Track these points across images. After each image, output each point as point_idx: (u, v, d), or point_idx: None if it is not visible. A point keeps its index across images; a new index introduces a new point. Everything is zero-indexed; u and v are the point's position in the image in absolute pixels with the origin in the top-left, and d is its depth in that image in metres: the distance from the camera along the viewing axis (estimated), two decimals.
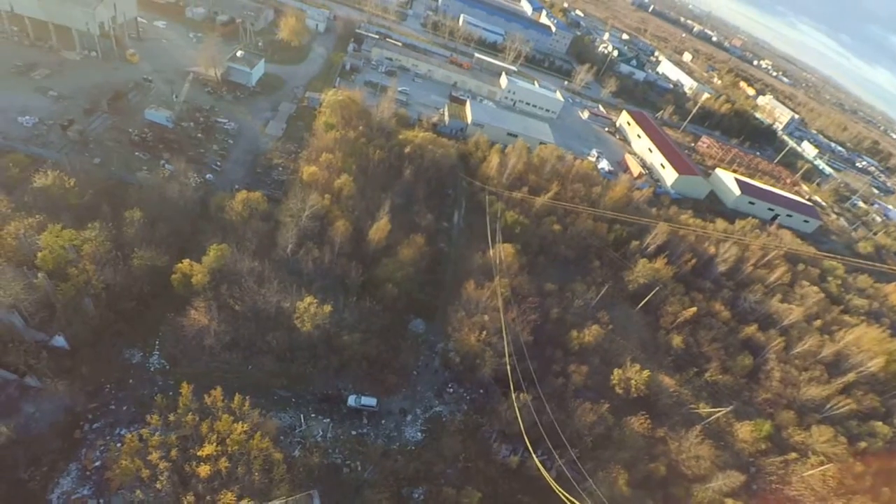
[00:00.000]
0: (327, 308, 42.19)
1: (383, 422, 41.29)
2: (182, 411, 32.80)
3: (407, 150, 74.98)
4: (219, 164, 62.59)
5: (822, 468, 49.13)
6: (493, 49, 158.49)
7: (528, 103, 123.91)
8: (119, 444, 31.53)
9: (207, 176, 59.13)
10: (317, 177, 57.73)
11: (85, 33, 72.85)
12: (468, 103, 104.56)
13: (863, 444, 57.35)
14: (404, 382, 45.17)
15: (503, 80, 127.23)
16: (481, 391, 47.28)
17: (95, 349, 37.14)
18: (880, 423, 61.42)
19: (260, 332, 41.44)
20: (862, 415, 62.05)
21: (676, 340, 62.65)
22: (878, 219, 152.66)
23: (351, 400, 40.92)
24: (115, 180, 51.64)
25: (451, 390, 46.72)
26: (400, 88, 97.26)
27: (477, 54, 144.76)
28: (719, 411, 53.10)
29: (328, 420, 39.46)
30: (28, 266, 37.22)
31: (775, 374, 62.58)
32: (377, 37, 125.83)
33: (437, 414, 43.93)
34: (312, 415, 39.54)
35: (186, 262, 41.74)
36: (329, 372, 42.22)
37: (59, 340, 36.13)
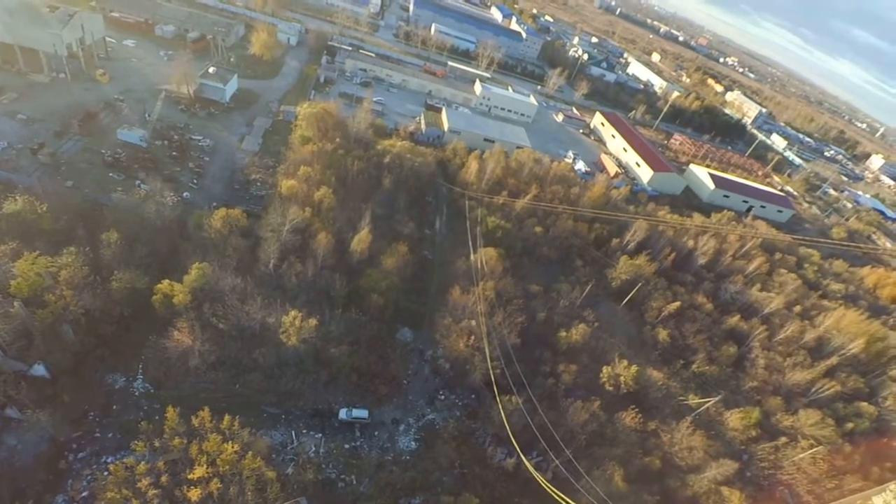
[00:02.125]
0: (313, 321, 41.83)
1: (376, 433, 40.94)
2: (168, 435, 32.15)
3: (385, 159, 75.15)
4: (195, 181, 61.89)
5: (812, 451, 50.30)
6: (466, 57, 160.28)
7: (503, 109, 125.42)
8: (106, 473, 30.75)
9: (184, 194, 58.39)
10: (296, 190, 57.51)
11: (53, 55, 71.62)
12: (444, 111, 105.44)
13: (850, 425, 58.91)
14: (395, 392, 44.92)
15: (477, 87, 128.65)
16: (473, 396, 47.33)
17: (77, 376, 36.21)
18: (865, 404, 63.24)
19: (246, 349, 40.86)
20: (847, 396, 63.77)
21: (662, 334, 63.66)
22: (849, 205, 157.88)
23: (342, 413, 40.52)
24: (89, 203, 50.64)
25: (443, 397, 46.66)
26: (375, 99, 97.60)
27: (450, 62, 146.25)
28: (708, 401, 54.02)
29: (320, 435, 39.00)
30: (3, 294, 36.25)
31: (760, 362, 64.01)
32: (350, 48, 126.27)
33: (430, 422, 43.77)
34: (304, 430, 39.02)
35: (167, 282, 41.04)
36: (318, 386, 41.79)
37: (39, 369, 35.17)
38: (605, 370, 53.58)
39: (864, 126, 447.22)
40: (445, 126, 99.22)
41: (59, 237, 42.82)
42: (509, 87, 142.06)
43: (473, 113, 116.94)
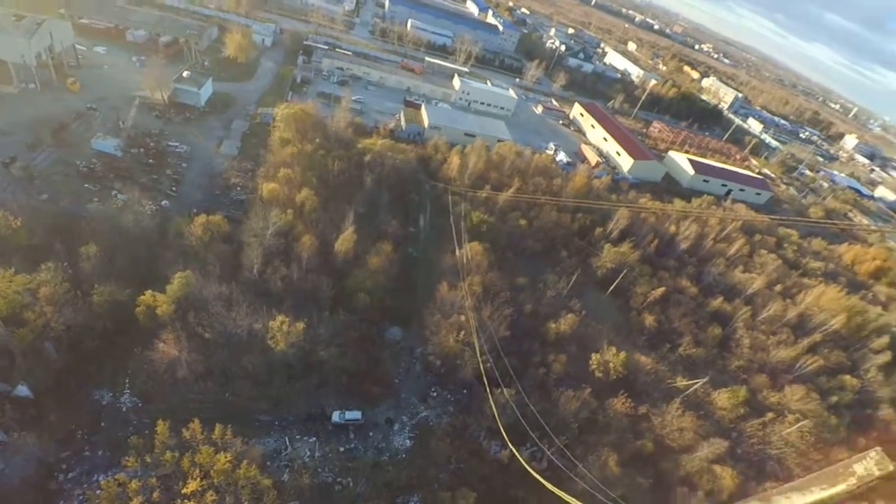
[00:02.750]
0: (300, 325, 41.47)
1: (370, 434, 40.91)
2: (160, 449, 31.68)
3: (366, 158, 74.79)
4: (174, 189, 60.87)
5: (798, 425, 51.57)
6: (444, 52, 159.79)
7: (482, 103, 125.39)
8: (98, 492, 30.24)
9: (163, 202, 57.42)
10: (277, 193, 56.94)
11: (21, 66, 69.72)
12: (423, 107, 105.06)
13: (834, 398, 60.59)
14: (387, 391, 44.92)
15: (456, 82, 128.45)
16: (465, 391, 47.54)
17: (62, 394, 35.46)
18: (848, 377, 64.98)
19: (234, 357, 40.37)
20: (830, 370, 65.42)
21: (648, 320, 64.53)
22: (825, 184, 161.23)
23: (335, 416, 40.38)
24: (65, 215, 49.51)
25: (435, 394, 46.78)
26: (354, 97, 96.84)
27: (428, 58, 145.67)
28: (696, 383, 54.93)
29: (314, 439, 38.80)
30: None
31: (745, 342, 65.30)
32: (326, 47, 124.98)
33: (424, 419, 43.87)
34: (297, 436, 38.78)
35: (149, 293, 40.36)
36: (309, 390, 41.56)
37: (23, 389, 34.41)
38: (595, 358, 54.16)
39: (838, 107, 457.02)
40: (425, 122, 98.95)
41: (36, 252, 41.80)
42: (488, 81, 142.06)
43: (453, 108, 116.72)
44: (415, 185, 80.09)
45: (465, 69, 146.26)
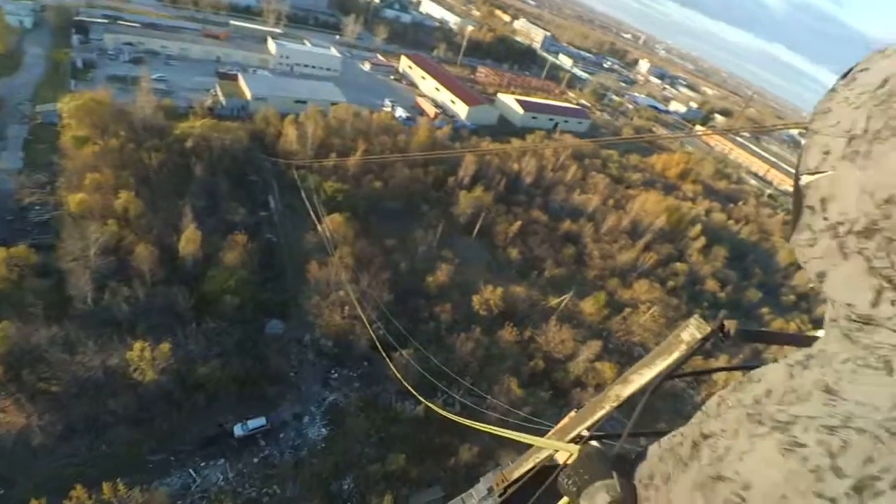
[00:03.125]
0: (165, 347, 37.25)
1: (281, 435, 39.34)
2: None
3: (188, 144, 67.00)
4: None
5: (650, 312, 62.57)
6: (250, 14, 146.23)
7: (306, 66, 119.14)
8: None
9: None
10: (89, 204, 48.55)
11: None
12: (241, 77, 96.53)
13: (671, 283, 74.23)
14: (285, 388, 43.12)
15: (272, 46, 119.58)
16: (366, 363, 47.86)
17: None
18: (678, 264, 79.63)
19: (96, 403, 34.76)
20: (663, 262, 79.19)
21: (513, 253, 70.99)
22: (630, 106, 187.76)
23: (237, 429, 37.84)
24: None
25: (336, 375, 46.28)
26: (154, 76, 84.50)
27: (233, 22, 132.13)
28: (564, 299, 62.50)
29: (222, 460, 36.10)
30: None
31: (595, 254, 75.68)
32: (106, 21, 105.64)
33: (332, 403, 43.41)
34: (202, 464, 35.64)
35: None
36: (199, 412, 38.00)
37: None
38: (476, 299, 58.40)
39: (629, 36, 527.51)
40: (247, 94, 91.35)
41: None
42: (306, 42, 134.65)
43: (275, 75, 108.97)
44: (253, 165, 74.43)
45: (278, 30, 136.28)
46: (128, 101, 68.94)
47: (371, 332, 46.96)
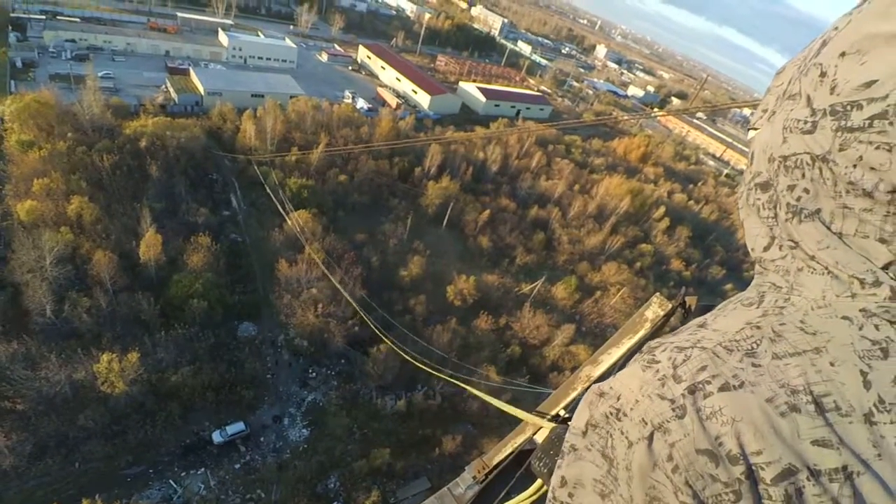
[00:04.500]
0: (134, 357, 36.04)
1: (262, 439, 38.96)
2: None
3: (141, 143, 64.58)
4: None
5: (619, 294, 64.66)
6: (198, 5, 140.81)
7: (260, 58, 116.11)
8: None
9: None
10: (40, 211, 46.30)
11: None
12: (193, 72, 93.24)
13: (638, 265, 76.53)
14: (263, 391, 42.63)
15: (223, 38, 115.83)
16: (343, 360, 47.78)
17: None
18: (644, 245, 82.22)
19: (66, 420, 33.56)
20: (630, 244, 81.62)
21: (484, 242, 71.81)
22: (590, 92, 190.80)
23: (216, 436, 37.22)
24: None
25: (314, 374, 46.01)
26: (101, 74, 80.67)
27: (180, 14, 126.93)
28: (536, 285, 63.88)
29: (203, 469, 35.53)
30: None
31: (564, 239, 77.33)
32: (44, 17, 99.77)
33: (312, 402, 43.22)
34: (182, 473, 35.00)
35: None
36: (174, 421, 37.16)
37: None
38: (450, 289, 59.04)
39: (585, 22, 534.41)
40: (201, 89, 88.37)
41: None
42: (259, 33, 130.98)
43: (229, 69, 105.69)
44: (212, 163, 72.42)
45: (229, 21, 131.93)
46: (73, 101, 65.64)
47: (353, 328, 47.24)
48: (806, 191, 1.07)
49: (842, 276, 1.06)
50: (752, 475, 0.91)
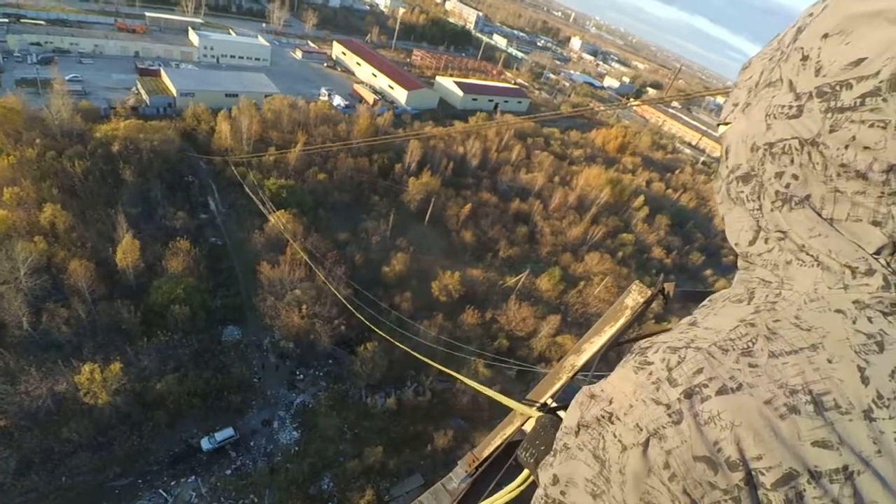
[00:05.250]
0: (116, 366, 35.46)
1: (252, 443, 38.68)
2: None
3: (114, 147, 63.17)
4: None
5: (602, 283, 65.68)
6: (167, 4, 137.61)
7: (233, 56, 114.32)
8: None
9: None
10: (11, 221, 45.06)
11: None
12: (164, 73, 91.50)
13: (620, 254, 77.69)
14: (250, 395, 42.32)
15: (193, 37, 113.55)
16: (331, 361, 47.68)
17: None
18: (625, 234, 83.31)
19: (49, 434, 32.85)
20: (612, 233, 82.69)
21: (467, 236, 72.11)
22: (567, 84, 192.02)
23: (205, 443, 36.85)
24: None
25: (301, 376, 45.82)
26: (68, 77, 78.40)
27: (148, 13, 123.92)
28: (521, 277, 64.46)
29: (193, 477, 35.16)
30: None
31: (546, 231, 78.04)
32: (6, 20, 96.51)
33: (301, 404, 43.05)
34: (172, 483, 34.56)
35: None
36: (161, 430, 36.69)
37: None
38: (435, 285, 59.21)
39: (560, 14, 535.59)
40: (173, 90, 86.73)
41: None
42: (231, 31, 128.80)
43: (201, 68, 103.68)
44: (187, 165, 71.23)
45: (199, 20, 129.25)
46: (41, 107, 63.80)
47: (340, 328, 47.14)
48: (795, 177, 1.05)
49: (833, 267, 1.04)
50: (751, 481, 0.89)
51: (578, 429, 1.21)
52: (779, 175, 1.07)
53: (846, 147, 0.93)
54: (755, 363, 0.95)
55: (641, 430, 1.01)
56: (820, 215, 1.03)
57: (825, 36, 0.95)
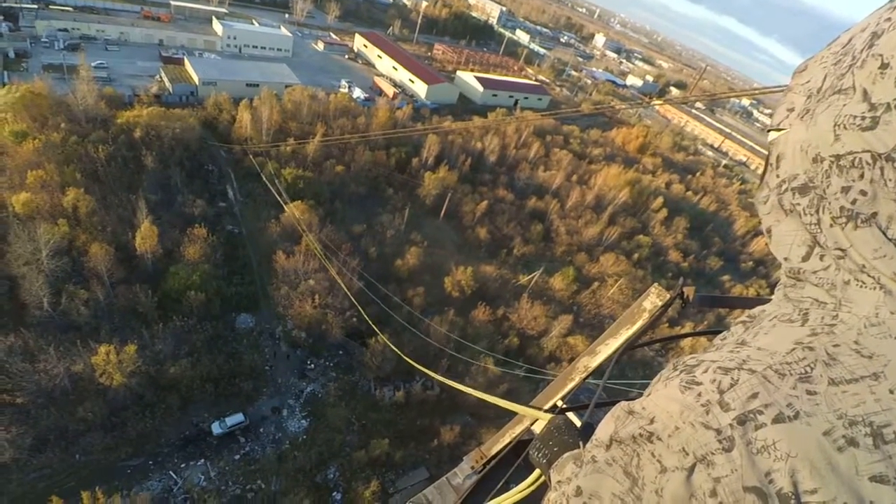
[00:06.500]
0: (132, 349, 36.24)
1: (261, 430, 39.25)
2: None
3: (136, 134, 64.17)
4: None
5: (617, 284, 65.06)
6: None
7: (255, 46, 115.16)
8: None
9: None
10: (35, 203, 46.13)
11: None
12: (187, 61, 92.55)
13: (636, 256, 76.88)
14: (262, 382, 42.92)
15: (217, 27, 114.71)
16: (341, 352, 48.05)
17: None
18: (642, 236, 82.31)
19: (66, 412, 33.83)
20: (628, 234, 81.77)
21: (482, 233, 71.88)
22: (589, 81, 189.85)
23: (216, 427, 37.49)
24: None
25: (312, 366, 46.26)
26: (94, 64, 79.93)
27: (173, 2, 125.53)
28: (534, 276, 64.11)
29: (202, 460, 35.77)
30: None
31: (561, 230, 77.47)
32: (36, 6, 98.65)
33: (311, 394, 43.50)
34: (182, 465, 35.24)
35: None
36: (174, 413, 37.42)
37: None
38: (447, 280, 59.25)
39: (584, 10, 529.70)
40: (195, 79, 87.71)
41: None
42: (254, 21, 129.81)
43: (223, 58, 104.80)
44: (208, 153, 72.11)
45: (223, 10, 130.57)
46: (67, 92, 65.11)
47: (352, 319, 47.36)
48: (863, 193, 0.97)
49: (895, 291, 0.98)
50: None
51: (610, 443, 1.17)
52: (845, 190, 0.99)
53: None
54: (814, 390, 0.90)
55: (688, 454, 0.96)
56: (885, 235, 0.96)
57: None
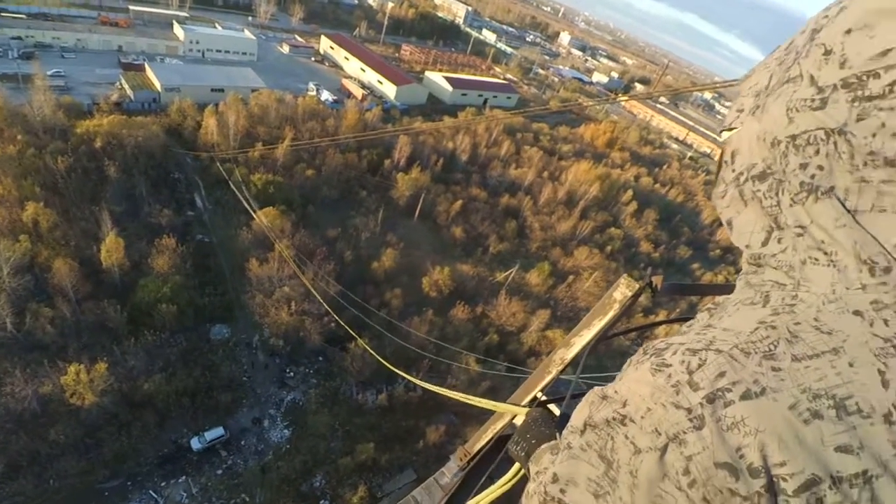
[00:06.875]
0: (102, 367, 35.02)
1: (243, 442, 38.53)
2: None
3: (97, 144, 62.25)
4: None
5: (592, 277, 66.29)
6: None
7: (219, 51, 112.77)
8: None
9: None
10: None
11: None
12: (148, 67, 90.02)
13: (608, 248, 78.40)
14: (240, 394, 42.09)
15: (179, 31, 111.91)
16: (321, 358, 47.55)
17: None
18: (613, 229, 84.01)
19: (35, 436, 32.49)
20: (600, 228, 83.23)
21: (457, 232, 72.18)
22: (556, 79, 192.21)
23: (195, 443, 36.62)
24: None
25: (292, 374, 45.65)
26: (50, 72, 77.03)
27: (132, 7, 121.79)
28: (510, 272, 64.79)
29: (184, 477, 34.95)
30: None
31: (535, 226, 78.41)
32: None
33: (292, 402, 42.92)
34: (162, 483, 34.35)
35: None
36: (151, 431, 36.38)
37: None
38: (425, 280, 59.39)
39: (549, 9, 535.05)
40: (157, 85, 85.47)
41: None
42: (217, 25, 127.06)
43: (186, 63, 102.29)
44: (173, 161, 70.38)
45: (184, 14, 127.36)
46: (23, 102, 62.54)
47: (329, 324, 46.87)
48: (820, 167, 1.04)
49: (851, 264, 1.02)
50: (772, 488, 0.88)
51: (585, 428, 1.20)
52: (803, 166, 1.06)
53: (874, 135, 0.94)
54: (778, 367, 0.94)
55: (660, 434, 0.99)
56: (844, 206, 1.02)
57: (848, 31, 0.97)
